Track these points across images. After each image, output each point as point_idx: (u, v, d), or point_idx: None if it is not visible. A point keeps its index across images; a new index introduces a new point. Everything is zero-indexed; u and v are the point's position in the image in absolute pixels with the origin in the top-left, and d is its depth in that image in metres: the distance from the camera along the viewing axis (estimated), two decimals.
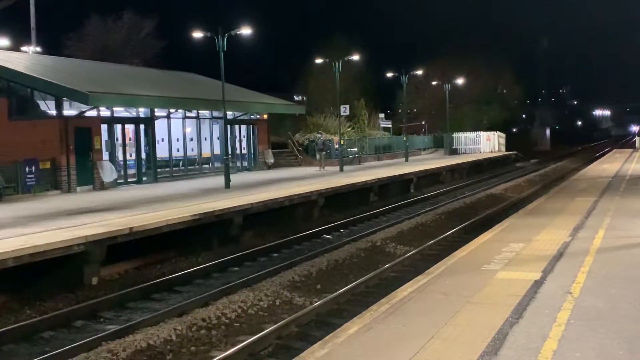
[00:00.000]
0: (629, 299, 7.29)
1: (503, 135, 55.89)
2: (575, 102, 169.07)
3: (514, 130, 76.27)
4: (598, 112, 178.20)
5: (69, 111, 24.04)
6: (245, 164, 34.27)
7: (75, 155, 23.11)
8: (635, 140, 41.58)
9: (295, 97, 62.19)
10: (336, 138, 37.45)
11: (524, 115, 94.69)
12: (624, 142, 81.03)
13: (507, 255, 9.87)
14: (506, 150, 54.09)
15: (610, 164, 30.92)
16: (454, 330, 6.38)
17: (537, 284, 8.03)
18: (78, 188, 23.17)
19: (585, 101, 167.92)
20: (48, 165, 22.56)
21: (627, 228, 11.95)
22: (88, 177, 23.73)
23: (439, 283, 8.41)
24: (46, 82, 23.12)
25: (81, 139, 23.40)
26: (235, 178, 25.84)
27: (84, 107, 23.54)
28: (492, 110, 70.48)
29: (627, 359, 5.51)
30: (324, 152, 34.18)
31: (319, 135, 34.01)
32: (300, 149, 39.42)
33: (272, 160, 35.04)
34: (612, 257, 9.54)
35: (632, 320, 6.50)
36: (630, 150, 45.80)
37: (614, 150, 54.14)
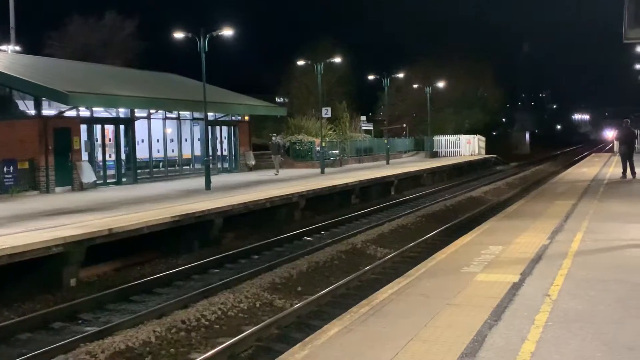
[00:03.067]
0: (607, 301, 7.35)
1: (483, 138, 56.31)
2: (555, 106, 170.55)
3: (494, 133, 76.77)
4: (577, 116, 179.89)
5: (48, 111, 23.86)
6: (226, 165, 34.18)
7: (54, 156, 22.93)
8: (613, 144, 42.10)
9: (277, 98, 62.14)
10: (318, 140, 37.48)
11: (504, 119, 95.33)
12: (602, 146, 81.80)
13: (487, 258, 9.92)
14: (486, 153, 54.49)
15: (588, 168, 31.20)
16: (434, 332, 6.40)
17: (516, 287, 8.08)
18: (57, 189, 22.99)
19: (565, 105, 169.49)
20: (26, 165, 22.35)
21: (605, 231, 12.06)
22: (67, 177, 23.54)
23: (419, 285, 8.44)
24: (25, 81, 22.91)
25: (60, 139, 23.22)
26: (216, 179, 25.79)
27: (63, 107, 23.37)
28: (472, 113, 70.94)
29: None
30: (279, 156, 32.29)
31: (274, 138, 32.95)
32: (282, 150, 39.37)
33: (253, 162, 34.97)
34: (590, 260, 9.62)
35: (610, 323, 6.55)
36: (609, 154, 46.24)
37: (593, 154, 54.65)
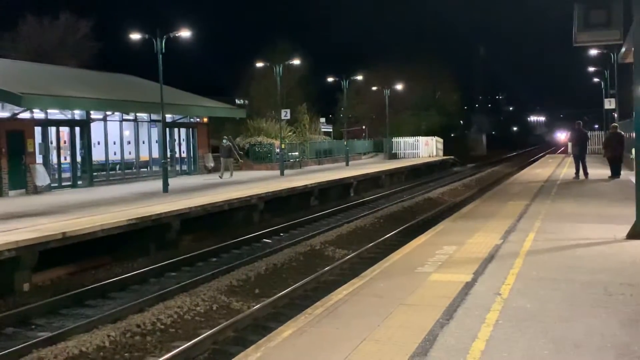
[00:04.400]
0: (556, 300, 7.52)
1: (441, 140, 56.96)
2: (511, 109, 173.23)
3: (452, 135, 77.69)
4: (533, 118, 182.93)
5: (1, 113, 23.34)
6: (184, 167, 33.93)
7: (7, 159, 22.49)
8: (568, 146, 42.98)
9: (237, 100, 61.88)
10: (277, 142, 37.47)
11: (461, 121, 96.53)
12: (554, 148, 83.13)
13: (441, 258, 10.05)
14: (444, 155, 55.13)
15: (543, 169, 31.78)
16: (387, 332, 6.47)
17: (468, 286, 8.20)
18: (10, 192, 22.54)
19: (521, 107, 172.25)
20: None
21: (557, 231, 12.31)
22: (21, 180, 23.10)
23: (373, 286, 8.51)
24: None
25: (14, 142, 22.79)
26: (174, 182, 25.59)
27: (17, 109, 22.90)
28: (430, 115, 71.68)
29: (552, 359, 5.68)
30: (231, 159, 31.25)
31: (225, 140, 31.77)
32: (242, 152, 39.27)
33: (212, 164, 34.76)
34: (541, 259, 9.82)
35: (559, 321, 6.70)
36: (563, 155, 47.18)
37: (547, 155, 55.68)
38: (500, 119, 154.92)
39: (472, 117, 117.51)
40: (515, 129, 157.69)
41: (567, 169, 28.75)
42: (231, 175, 30.56)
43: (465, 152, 66.50)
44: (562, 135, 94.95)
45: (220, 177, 29.76)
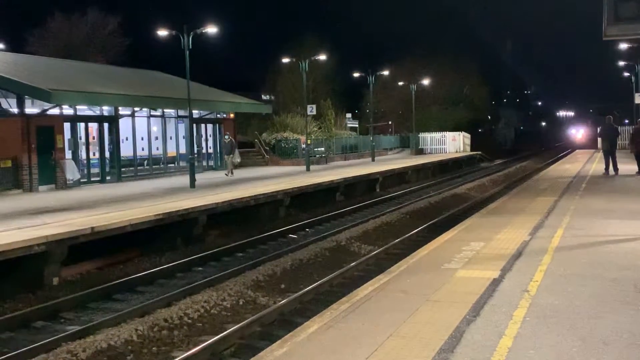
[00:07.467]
0: (584, 297, 7.43)
1: (468, 135, 56.52)
2: (540, 103, 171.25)
3: (479, 130, 77.06)
4: (562, 113, 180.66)
5: (31, 109, 23.69)
6: (211, 163, 34.14)
7: (37, 154, 22.80)
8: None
9: (263, 96, 62.14)
10: (303, 138, 37.50)
11: (489, 116, 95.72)
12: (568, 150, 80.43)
13: (468, 254, 9.99)
14: (471, 150, 54.70)
15: (572, 164, 31.41)
16: (413, 328, 6.44)
17: (496, 282, 8.14)
18: (40, 187, 22.85)
19: (550, 102, 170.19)
20: (9, 164, 22.20)
21: (586, 227, 12.16)
22: (50, 176, 23.42)
23: (399, 282, 8.48)
24: (7, 79, 22.70)
25: (43, 138, 23.09)
26: (201, 177, 25.76)
27: (46, 105, 23.21)
28: (457, 110, 71.17)
29: (580, 356, 5.61)
30: (232, 155, 29.56)
31: (226, 137, 30.50)
32: (267, 148, 39.40)
33: (238, 160, 34.81)
34: (569, 255, 9.70)
35: (587, 318, 6.63)
36: (592, 150, 46.54)
37: (577, 150, 54.96)
38: (528, 113, 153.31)
39: (500, 112, 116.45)
40: (543, 124, 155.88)
41: (596, 165, 28.37)
42: (232, 174, 28.65)
43: (493, 147, 65.90)
44: (577, 133, 76.29)
45: (227, 175, 28.47)
